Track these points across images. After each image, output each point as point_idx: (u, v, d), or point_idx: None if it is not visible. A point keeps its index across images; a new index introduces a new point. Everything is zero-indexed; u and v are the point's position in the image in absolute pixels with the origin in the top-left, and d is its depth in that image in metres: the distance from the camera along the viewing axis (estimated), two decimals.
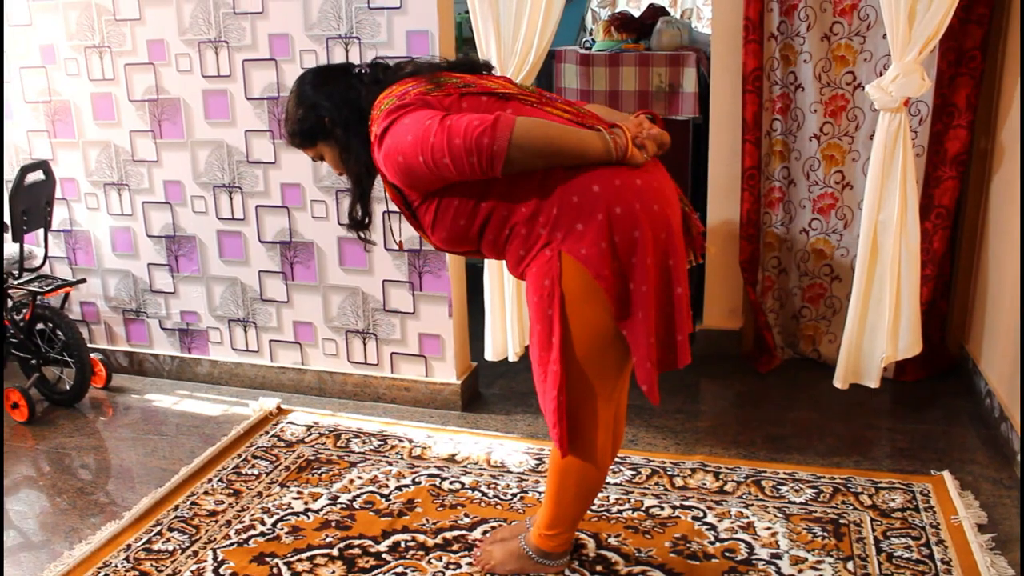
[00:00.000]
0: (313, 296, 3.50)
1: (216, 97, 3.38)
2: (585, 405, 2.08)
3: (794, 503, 2.67)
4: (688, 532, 2.54)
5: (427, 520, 2.64)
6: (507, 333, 3.34)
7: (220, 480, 2.91)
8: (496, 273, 3.25)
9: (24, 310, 3.46)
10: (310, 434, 3.21)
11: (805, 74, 3.44)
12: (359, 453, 3.06)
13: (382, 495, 2.79)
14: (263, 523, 2.65)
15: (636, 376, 2.03)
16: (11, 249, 3.41)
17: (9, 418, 3.44)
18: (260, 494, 2.82)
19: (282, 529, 2.61)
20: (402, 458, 3.02)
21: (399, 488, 2.82)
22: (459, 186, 1.99)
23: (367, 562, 2.44)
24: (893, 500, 2.66)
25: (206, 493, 2.83)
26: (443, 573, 2.39)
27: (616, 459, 2.92)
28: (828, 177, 3.51)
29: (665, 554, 2.44)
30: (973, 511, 2.58)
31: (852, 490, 2.72)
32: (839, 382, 3.11)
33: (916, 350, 3.03)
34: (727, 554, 2.43)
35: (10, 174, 3.47)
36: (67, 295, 3.64)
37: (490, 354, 3.37)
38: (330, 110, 2.09)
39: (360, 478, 2.89)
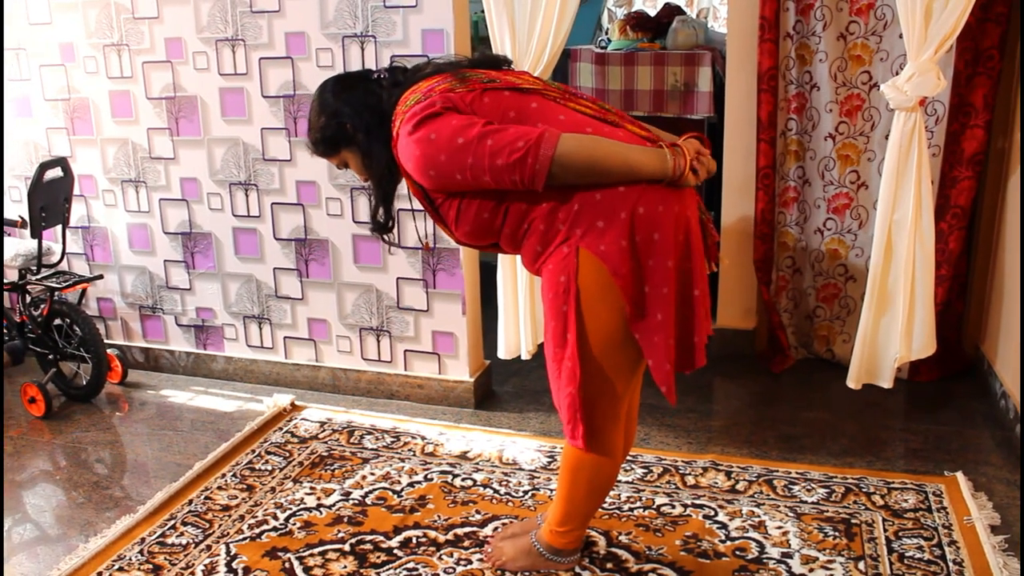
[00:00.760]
0: (328, 293, 3.52)
1: (233, 95, 3.40)
2: (598, 402, 2.09)
3: (806, 503, 2.66)
4: (699, 531, 2.54)
5: (439, 516, 2.65)
6: (520, 331, 3.35)
7: (234, 475, 2.93)
8: (509, 271, 3.26)
9: (42, 306, 3.49)
10: (323, 430, 3.23)
11: (821, 73, 3.43)
12: (372, 449, 3.08)
13: (394, 491, 2.80)
14: (276, 518, 2.66)
15: (653, 377, 2.03)
16: (30, 245, 3.45)
17: (26, 412, 3.48)
18: (273, 489, 2.83)
19: (295, 524, 2.63)
20: (415, 455, 3.03)
21: (411, 484, 2.84)
22: None
23: (379, 557, 2.45)
24: (906, 500, 2.65)
25: (220, 488, 2.85)
26: (454, 569, 2.40)
27: (628, 457, 2.92)
28: (843, 177, 3.50)
29: (676, 552, 2.44)
30: (986, 512, 2.56)
31: (864, 490, 2.71)
32: (852, 382, 3.10)
33: (930, 350, 3.02)
34: (738, 553, 2.43)
35: (29, 171, 3.51)
36: (84, 291, 3.66)
37: (503, 352, 3.38)
38: (351, 116, 2.09)
39: (372, 474, 2.90)
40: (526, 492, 2.78)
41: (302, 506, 2.73)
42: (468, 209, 2.05)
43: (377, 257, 3.40)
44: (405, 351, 3.49)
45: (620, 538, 2.51)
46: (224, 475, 2.93)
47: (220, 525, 2.64)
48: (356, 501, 2.75)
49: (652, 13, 4.71)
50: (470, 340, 3.40)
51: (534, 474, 2.88)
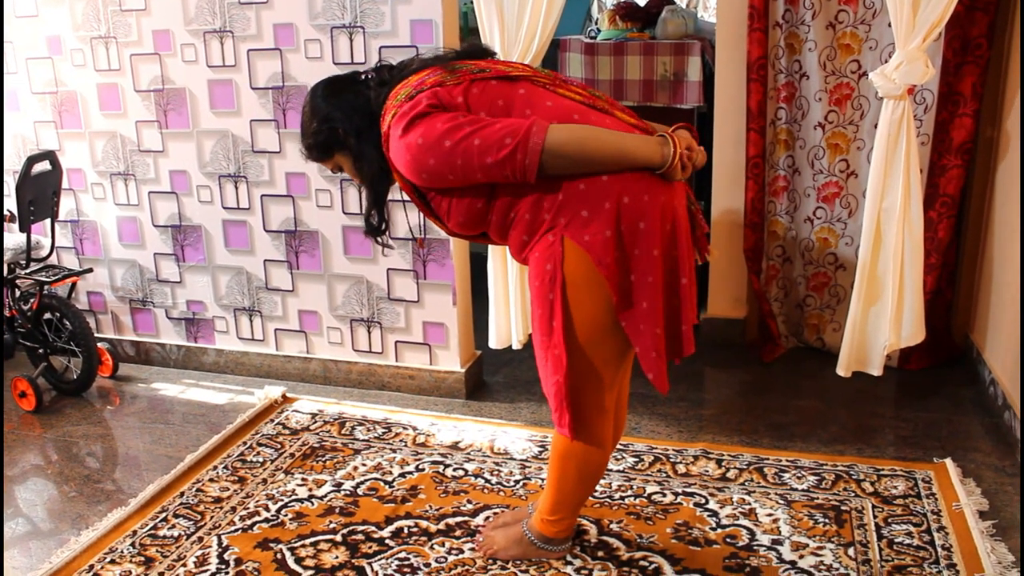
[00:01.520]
0: (318, 285, 3.52)
1: (221, 87, 3.39)
2: (586, 390, 2.09)
3: (796, 490, 2.67)
4: (690, 518, 2.55)
5: (430, 506, 2.66)
6: (511, 321, 3.35)
7: (225, 467, 2.93)
8: (500, 261, 3.26)
9: (31, 300, 3.48)
10: (315, 422, 3.23)
11: (810, 62, 3.43)
12: (363, 440, 3.08)
13: (386, 482, 2.80)
14: (267, 509, 2.67)
15: (641, 365, 2.04)
16: (18, 239, 3.43)
17: (17, 407, 3.47)
18: (265, 481, 2.83)
19: (286, 515, 2.63)
20: (406, 445, 3.04)
21: (403, 475, 2.84)
22: None
23: (370, 547, 2.46)
24: (895, 487, 2.66)
25: (211, 480, 2.85)
26: (445, 559, 2.40)
27: (619, 446, 2.93)
28: (833, 166, 3.51)
29: (667, 540, 2.45)
30: (975, 498, 2.58)
31: (854, 477, 2.72)
32: (842, 370, 3.11)
33: (919, 338, 3.03)
34: (728, 540, 2.44)
35: (17, 164, 3.49)
36: (74, 285, 3.65)
37: (494, 342, 3.39)
38: (342, 120, 2.09)
39: (364, 465, 2.91)
40: (517, 481, 2.78)
41: (294, 497, 2.73)
42: (460, 202, 2.05)
43: (367, 249, 3.39)
44: (396, 342, 3.49)
45: (611, 526, 2.52)
46: (216, 467, 2.93)
47: (212, 517, 2.64)
48: (348, 492, 2.75)
49: (642, 3, 4.70)
50: (461, 331, 3.41)
51: (525, 464, 2.89)
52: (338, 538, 2.51)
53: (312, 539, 2.51)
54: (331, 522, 2.59)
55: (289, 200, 3.44)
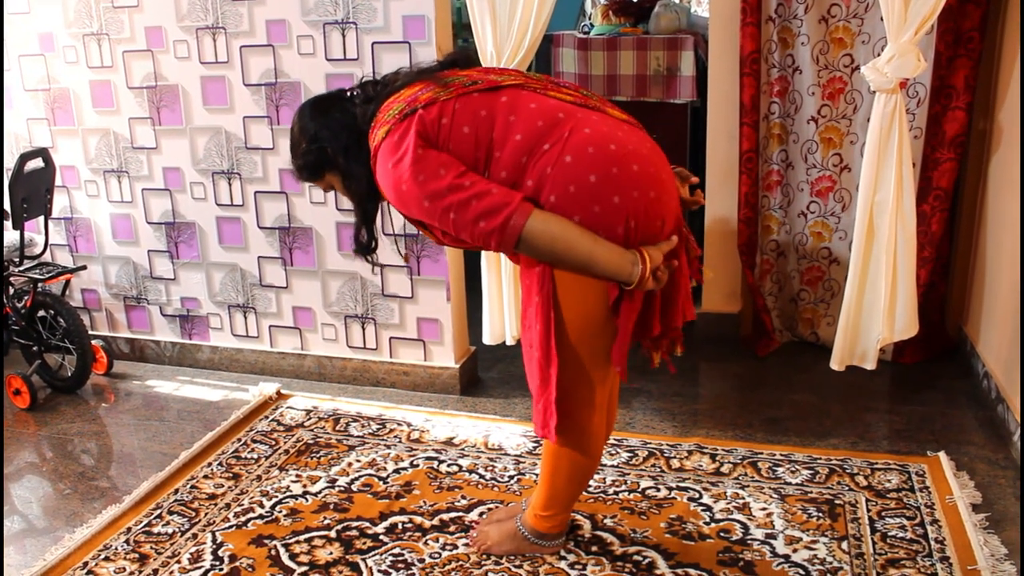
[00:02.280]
0: (312, 281, 3.52)
1: (214, 83, 3.38)
2: (579, 387, 2.09)
3: (790, 484, 2.68)
4: (684, 513, 2.55)
5: (424, 502, 2.66)
6: (505, 317, 3.35)
7: (220, 464, 2.93)
8: (494, 257, 3.26)
9: (25, 297, 3.48)
10: (309, 418, 3.23)
11: (803, 57, 3.43)
12: (358, 437, 3.08)
13: (380, 478, 2.80)
14: (262, 506, 2.67)
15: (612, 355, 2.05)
16: (12, 237, 3.43)
17: (11, 404, 3.47)
18: (259, 477, 2.84)
19: (281, 512, 2.63)
20: (400, 441, 3.04)
21: (397, 471, 2.84)
22: None
23: (364, 543, 2.46)
24: (889, 481, 2.67)
25: (206, 477, 2.85)
26: (440, 554, 2.41)
27: (613, 441, 2.94)
28: (826, 160, 3.51)
29: (660, 534, 2.45)
30: (968, 491, 2.59)
31: (848, 471, 2.73)
32: (835, 364, 3.12)
33: (912, 332, 3.03)
34: (722, 534, 2.45)
35: (10, 162, 3.49)
36: (68, 282, 3.65)
37: (488, 338, 3.39)
38: (330, 139, 2.09)
39: (358, 461, 2.91)
40: (511, 477, 2.78)
41: (288, 494, 2.73)
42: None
43: None
44: (390, 338, 3.49)
45: (605, 521, 2.52)
46: (210, 464, 2.93)
47: (206, 514, 2.65)
48: (342, 488, 2.75)
49: None
50: (455, 326, 3.41)
51: (519, 459, 2.89)
52: (332, 534, 2.51)
53: (306, 535, 2.51)
54: (325, 518, 2.59)
55: (283, 196, 3.43)
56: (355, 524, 2.56)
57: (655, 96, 4.13)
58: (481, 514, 2.58)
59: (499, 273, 3.28)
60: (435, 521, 2.56)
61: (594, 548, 2.40)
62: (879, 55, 2.92)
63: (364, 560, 2.39)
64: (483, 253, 3.26)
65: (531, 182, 1.94)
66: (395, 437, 3.07)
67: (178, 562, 2.41)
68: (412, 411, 3.28)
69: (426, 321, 3.42)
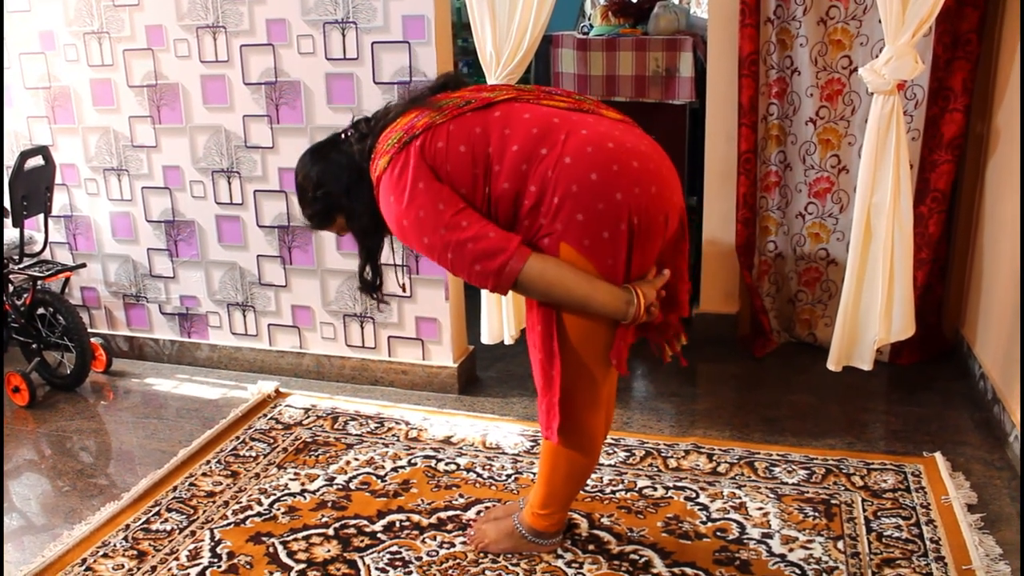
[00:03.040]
0: (311, 280, 3.53)
1: (214, 82, 3.39)
2: (580, 388, 2.10)
3: (786, 484, 2.69)
4: (680, 512, 2.56)
5: (422, 500, 2.67)
6: (503, 316, 3.36)
7: (218, 462, 2.94)
8: None
9: (25, 295, 3.49)
10: (308, 417, 3.24)
11: (801, 58, 3.44)
12: (356, 435, 3.09)
13: (378, 476, 2.81)
14: (260, 503, 2.68)
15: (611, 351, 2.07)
16: (11, 234, 3.44)
17: (10, 402, 3.48)
18: (257, 475, 2.84)
19: (279, 509, 2.64)
20: (398, 440, 3.05)
21: (395, 469, 2.85)
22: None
23: (362, 541, 2.47)
24: (885, 481, 2.68)
25: (204, 474, 2.86)
26: (437, 552, 2.41)
27: (610, 440, 2.95)
28: (824, 161, 3.52)
29: (657, 534, 2.46)
30: (963, 491, 2.60)
31: (844, 471, 2.74)
32: (832, 364, 3.12)
33: (909, 332, 3.04)
34: (719, 534, 2.46)
35: (10, 160, 3.50)
36: (67, 280, 3.66)
37: (486, 337, 3.40)
38: (333, 182, 2.12)
39: (356, 459, 2.92)
40: (509, 476, 2.79)
41: (286, 491, 2.74)
42: None
43: None
44: (389, 337, 3.50)
45: (602, 520, 2.53)
46: (209, 462, 2.94)
47: (204, 511, 2.65)
48: (340, 486, 2.76)
49: None
50: (453, 326, 3.41)
51: (517, 458, 2.90)
52: (330, 532, 2.52)
53: (304, 533, 2.52)
54: (323, 516, 2.60)
55: (282, 195, 3.44)
56: (353, 522, 2.57)
57: (654, 97, 4.14)
58: (479, 512, 2.59)
59: None
60: (433, 519, 2.57)
61: (591, 547, 2.41)
62: (877, 57, 2.93)
63: (362, 558, 2.39)
64: None
65: (534, 187, 1.95)
66: (393, 436, 3.08)
67: (176, 559, 2.42)
68: (410, 410, 3.29)
69: (425, 320, 3.43)
